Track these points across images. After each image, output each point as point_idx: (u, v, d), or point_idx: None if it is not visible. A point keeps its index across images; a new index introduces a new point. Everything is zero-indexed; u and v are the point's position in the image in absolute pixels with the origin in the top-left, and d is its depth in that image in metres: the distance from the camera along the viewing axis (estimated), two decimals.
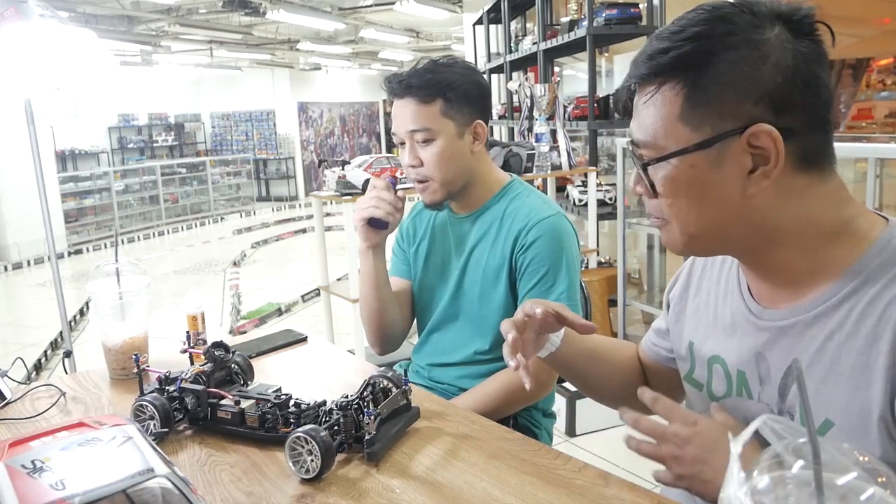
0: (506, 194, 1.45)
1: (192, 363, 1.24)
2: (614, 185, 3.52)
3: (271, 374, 1.33)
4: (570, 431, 2.97)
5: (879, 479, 0.40)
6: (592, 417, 2.95)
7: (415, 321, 1.61)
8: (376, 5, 8.45)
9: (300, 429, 0.91)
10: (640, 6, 3.61)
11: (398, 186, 1.44)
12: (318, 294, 4.85)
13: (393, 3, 7.39)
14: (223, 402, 1.04)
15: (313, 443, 0.89)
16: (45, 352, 4.66)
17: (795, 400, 0.78)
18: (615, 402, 1.13)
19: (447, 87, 1.34)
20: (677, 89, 0.73)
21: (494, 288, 1.40)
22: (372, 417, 0.94)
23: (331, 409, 0.98)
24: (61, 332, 2.40)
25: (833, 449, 0.42)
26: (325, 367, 1.42)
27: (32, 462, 0.66)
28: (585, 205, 3.46)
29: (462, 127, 1.37)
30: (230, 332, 4.89)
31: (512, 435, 1.03)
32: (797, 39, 0.72)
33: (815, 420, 0.74)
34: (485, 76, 1.45)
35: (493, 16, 6.18)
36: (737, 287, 0.87)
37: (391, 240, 1.57)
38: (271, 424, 1.01)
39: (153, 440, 0.73)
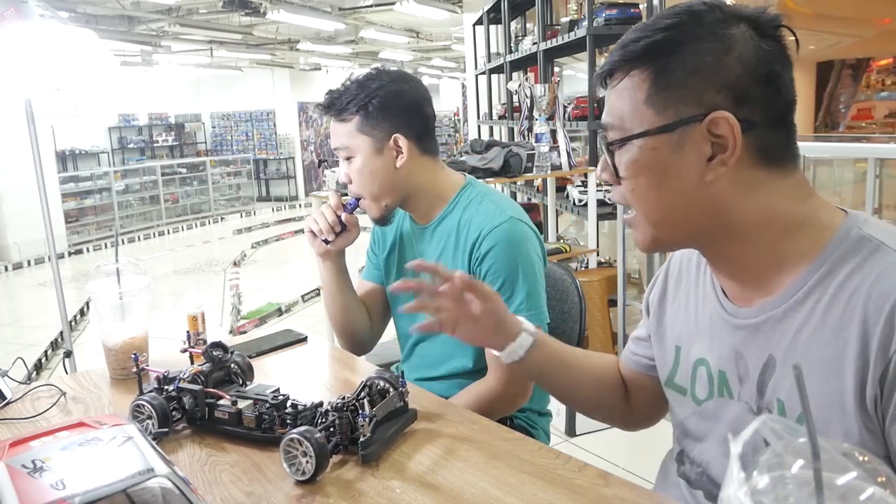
0: (459, 202, 1.39)
1: (192, 363, 1.24)
2: None
3: (271, 374, 1.33)
4: (570, 431, 2.97)
5: (879, 479, 0.40)
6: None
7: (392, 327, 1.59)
8: (376, 5, 8.45)
9: (294, 430, 0.91)
10: (640, 6, 3.61)
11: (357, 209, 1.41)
12: (318, 294, 4.86)
13: (393, 4, 7.39)
14: (220, 402, 1.04)
15: (307, 444, 0.89)
16: (46, 352, 4.66)
17: (773, 396, 0.79)
18: (594, 412, 1.14)
19: (359, 101, 1.32)
20: (645, 75, 0.77)
21: None
22: (367, 419, 0.94)
23: (327, 411, 0.98)
24: (61, 332, 2.41)
25: (833, 449, 0.42)
26: (324, 367, 1.42)
27: (33, 462, 0.66)
28: (585, 205, 3.46)
29: (380, 142, 1.33)
30: (230, 332, 4.90)
31: (511, 435, 1.03)
32: (761, 39, 0.75)
33: (790, 415, 0.76)
34: (419, 82, 1.40)
35: (493, 16, 6.18)
36: (711, 289, 0.88)
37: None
38: (268, 425, 1.01)
39: (153, 440, 0.73)
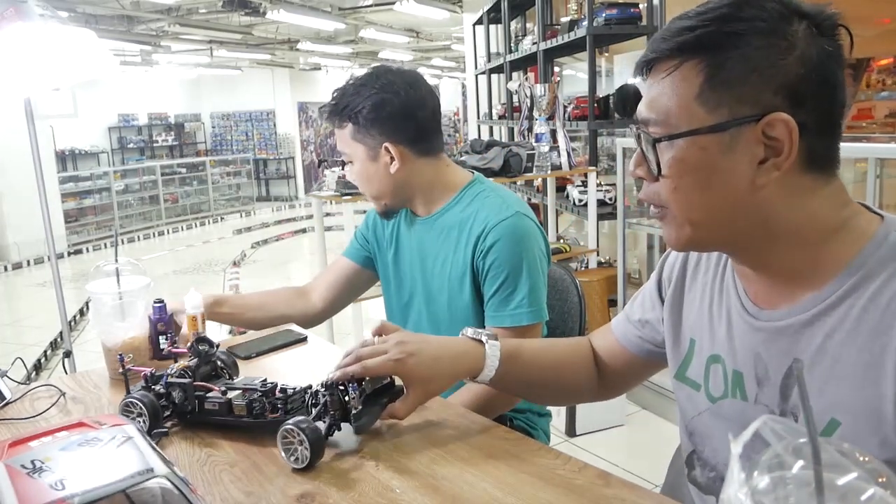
0: (464, 196, 1.41)
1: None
2: (614, 185, 3.52)
3: (271, 373, 1.32)
4: (570, 431, 2.97)
5: (880, 480, 0.40)
6: (592, 417, 2.95)
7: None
8: (376, 5, 8.45)
9: (290, 421, 0.92)
10: (640, 6, 3.61)
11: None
12: None
13: (393, 3, 7.39)
14: (210, 394, 1.06)
15: (303, 434, 0.91)
16: (45, 352, 4.66)
17: (798, 400, 0.77)
18: (564, 402, 1.15)
19: (350, 110, 1.34)
20: (698, 69, 0.71)
21: (460, 295, 1.39)
22: (357, 393, 0.97)
23: (316, 391, 1.00)
24: (61, 332, 2.41)
25: (833, 449, 0.42)
26: (325, 366, 1.42)
27: (32, 462, 0.66)
28: (585, 205, 3.46)
29: (373, 150, 1.36)
30: (230, 333, 4.89)
31: (512, 435, 1.03)
32: (821, 38, 0.71)
33: (820, 421, 0.73)
34: (414, 84, 1.37)
35: (493, 16, 6.18)
36: (733, 287, 0.86)
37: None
38: (258, 412, 1.02)
39: (152, 440, 0.73)
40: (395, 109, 1.34)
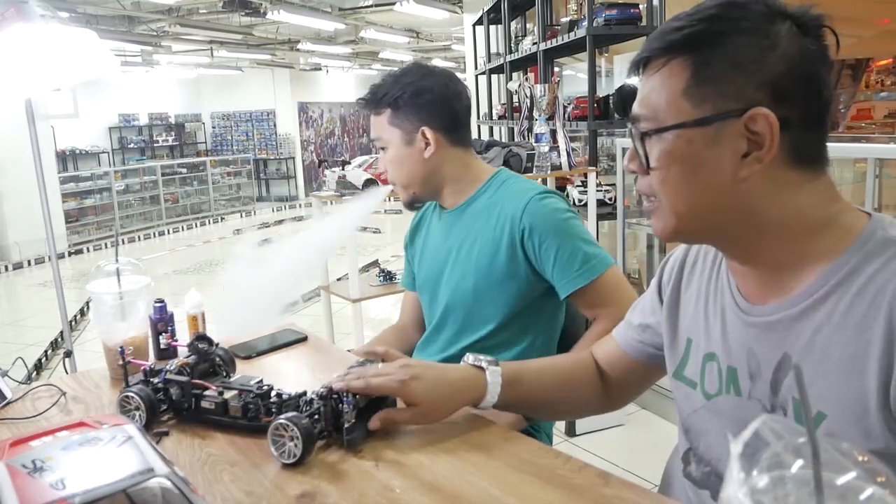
0: (490, 186, 1.47)
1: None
2: (614, 185, 3.52)
3: (271, 373, 1.33)
4: (570, 431, 2.97)
5: (879, 479, 0.40)
6: (592, 417, 2.94)
7: None
8: (376, 5, 8.46)
9: (282, 416, 0.93)
10: (640, 6, 3.61)
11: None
12: (318, 294, 4.85)
13: (393, 4, 7.40)
14: (207, 392, 1.06)
15: (295, 429, 0.91)
16: (46, 352, 4.66)
17: (788, 394, 0.78)
18: (569, 416, 1.15)
19: (391, 96, 1.41)
20: (685, 66, 0.75)
21: (488, 277, 1.41)
22: (350, 406, 0.96)
23: (311, 399, 1.00)
24: (62, 332, 2.41)
25: (832, 448, 0.42)
26: (326, 366, 1.42)
27: (33, 461, 0.66)
28: (585, 205, 3.46)
29: (410, 134, 1.42)
30: None
31: (512, 435, 1.03)
32: (805, 37, 0.74)
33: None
34: (450, 78, 1.46)
35: (493, 16, 6.18)
36: (726, 284, 0.87)
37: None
38: (253, 414, 1.03)
39: (153, 439, 0.73)
40: (435, 97, 1.42)
